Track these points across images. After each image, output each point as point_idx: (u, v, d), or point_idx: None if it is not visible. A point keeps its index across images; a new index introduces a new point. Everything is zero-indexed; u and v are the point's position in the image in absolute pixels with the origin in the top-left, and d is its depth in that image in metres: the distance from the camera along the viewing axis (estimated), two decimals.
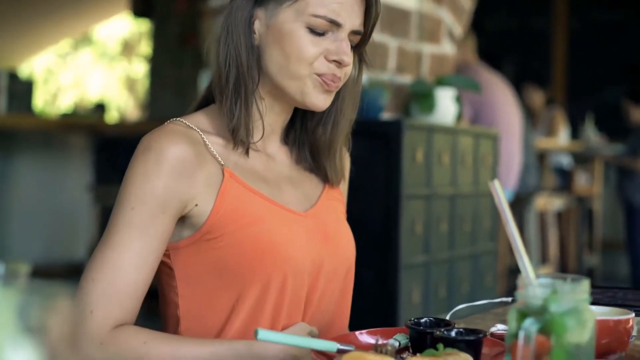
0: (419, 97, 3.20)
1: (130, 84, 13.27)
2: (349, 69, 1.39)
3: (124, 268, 1.27)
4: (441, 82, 3.25)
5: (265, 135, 1.42)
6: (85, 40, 13.05)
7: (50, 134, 5.78)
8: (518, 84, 6.07)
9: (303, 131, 1.48)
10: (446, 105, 3.19)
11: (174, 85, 7.28)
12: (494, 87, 4.45)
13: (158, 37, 7.62)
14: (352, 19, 1.36)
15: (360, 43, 1.41)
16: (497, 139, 3.52)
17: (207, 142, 1.36)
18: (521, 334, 0.89)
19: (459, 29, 3.72)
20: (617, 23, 8.12)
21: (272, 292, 1.34)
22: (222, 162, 1.35)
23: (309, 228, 1.41)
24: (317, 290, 1.40)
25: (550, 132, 6.63)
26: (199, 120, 1.39)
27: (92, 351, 1.24)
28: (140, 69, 12.44)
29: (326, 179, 1.49)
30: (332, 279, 1.43)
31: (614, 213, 7.17)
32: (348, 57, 1.35)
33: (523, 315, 0.91)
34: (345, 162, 1.56)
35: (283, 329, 1.36)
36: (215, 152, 1.36)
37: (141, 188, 1.29)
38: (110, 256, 1.27)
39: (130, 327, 1.27)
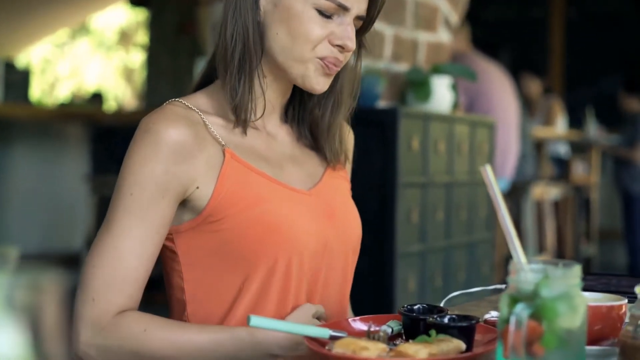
0: (415, 85, 3.19)
1: (128, 74, 13.24)
2: (350, 53, 1.38)
3: (124, 255, 1.26)
4: (437, 70, 3.24)
5: (266, 114, 1.40)
6: (82, 29, 13.01)
7: (48, 123, 5.76)
8: (515, 73, 6.06)
9: (302, 109, 1.46)
10: (442, 94, 3.19)
11: (171, 75, 7.26)
12: (490, 76, 4.44)
13: (155, 27, 7.60)
14: (359, 4, 1.35)
15: (363, 29, 1.41)
16: (494, 128, 3.52)
17: (207, 123, 1.34)
18: (512, 319, 0.89)
19: (455, 17, 3.71)
20: (614, 13, 8.12)
21: (278, 274, 1.33)
22: (222, 143, 1.34)
23: (313, 207, 1.39)
24: (321, 271, 1.39)
25: (548, 121, 6.62)
26: (199, 101, 1.38)
27: (93, 338, 1.24)
28: (137, 59, 12.41)
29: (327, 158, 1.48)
30: (336, 260, 1.41)
31: (611, 202, 7.17)
32: (352, 43, 1.34)
33: (514, 300, 0.91)
34: (349, 143, 1.55)
35: (292, 310, 1.35)
36: (215, 133, 1.34)
37: (140, 173, 1.27)
38: (111, 243, 1.26)
39: (132, 313, 1.27)
